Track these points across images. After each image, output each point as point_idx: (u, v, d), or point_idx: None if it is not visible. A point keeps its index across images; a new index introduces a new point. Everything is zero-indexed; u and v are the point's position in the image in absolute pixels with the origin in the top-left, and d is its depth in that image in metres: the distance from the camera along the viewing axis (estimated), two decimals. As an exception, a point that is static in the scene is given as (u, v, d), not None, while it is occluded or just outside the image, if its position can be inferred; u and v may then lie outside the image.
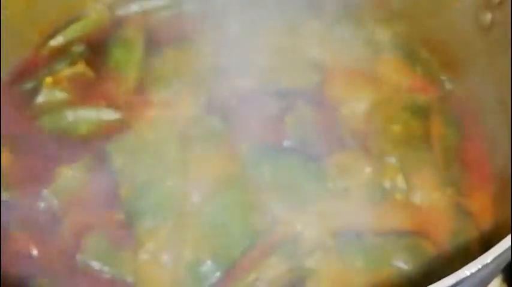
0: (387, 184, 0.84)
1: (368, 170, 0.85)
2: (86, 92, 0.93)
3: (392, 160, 0.86)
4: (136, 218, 0.80)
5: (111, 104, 0.92)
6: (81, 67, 0.95)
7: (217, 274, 0.77)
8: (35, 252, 0.79)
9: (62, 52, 0.99)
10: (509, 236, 0.57)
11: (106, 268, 0.77)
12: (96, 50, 0.99)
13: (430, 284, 0.55)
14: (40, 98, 0.92)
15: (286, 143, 0.88)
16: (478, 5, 0.86)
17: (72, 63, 0.95)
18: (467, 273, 0.54)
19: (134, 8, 1.04)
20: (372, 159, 0.86)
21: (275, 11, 1.02)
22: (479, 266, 0.54)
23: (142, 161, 0.86)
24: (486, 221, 0.82)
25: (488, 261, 0.55)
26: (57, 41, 1.00)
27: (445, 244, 0.80)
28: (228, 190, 0.83)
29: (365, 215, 0.82)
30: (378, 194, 0.84)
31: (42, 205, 0.83)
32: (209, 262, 0.77)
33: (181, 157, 0.86)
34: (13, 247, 0.80)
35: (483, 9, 0.85)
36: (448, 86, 0.96)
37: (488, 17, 0.85)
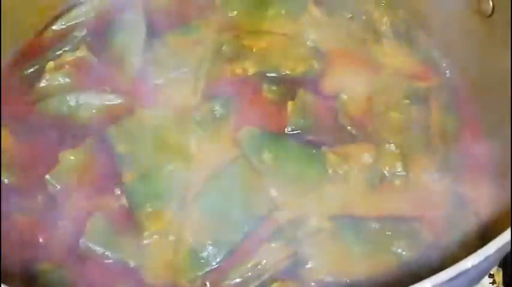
0: (386, 170, 0.85)
1: (367, 156, 0.85)
2: (88, 77, 0.93)
3: (391, 146, 0.86)
4: (139, 203, 0.80)
5: (113, 89, 0.92)
6: (83, 52, 0.94)
7: (218, 258, 0.77)
8: (37, 237, 0.79)
9: (63, 37, 0.98)
10: (510, 228, 0.57)
11: (109, 253, 0.77)
12: (98, 35, 0.98)
13: (428, 271, 0.54)
14: (42, 83, 0.92)
15: (287, 129, 0.88)
16: (479, -8, 0.86)
17: (74, 48, 0.95)
18: (469, 265, 0.53)
19: (135, -8, 1.04)
20: (371, 146, 0.86)
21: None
22: (481, 258, 0.53)
23: (144, 145, 0.86)
24: (483, 209, 0.82)
25: (491, 253, 0.54)
26: (59, 26, 1.00)
27: (442, 231, 0.80)
28: (228, 175, 0.83)
29: (364, 201, 0.83)
30: (377, 180, 0.84)
31: (44, 189, 0.82)
32: (210, 247, 0.77)
33: (183, 142, 0.86)
34: (16, 233, 0.79)
35: (485, -3, 0.85)
36: (448, 73, 0.95)
37: (489, 4, 0.84)
